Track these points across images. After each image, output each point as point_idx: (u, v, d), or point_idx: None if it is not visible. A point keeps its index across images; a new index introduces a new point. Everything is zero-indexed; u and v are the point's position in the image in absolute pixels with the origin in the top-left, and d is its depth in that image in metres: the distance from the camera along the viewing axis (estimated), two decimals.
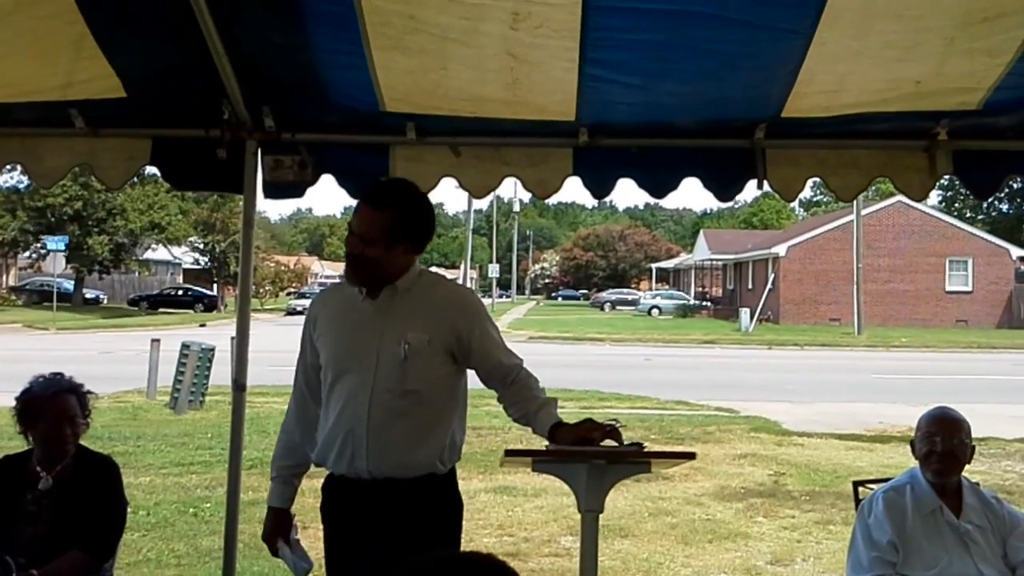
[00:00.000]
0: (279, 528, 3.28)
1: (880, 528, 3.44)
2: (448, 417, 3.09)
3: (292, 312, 53.43)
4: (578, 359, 26.33)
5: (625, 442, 3.04)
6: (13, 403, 3.63)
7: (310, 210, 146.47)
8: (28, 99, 3.68)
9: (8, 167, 4.17)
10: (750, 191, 4.11)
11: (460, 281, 57.19)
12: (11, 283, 55.41)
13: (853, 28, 3.11)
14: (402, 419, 2.98)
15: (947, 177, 4.07)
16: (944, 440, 3.44)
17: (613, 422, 3.13)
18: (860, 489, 4.10)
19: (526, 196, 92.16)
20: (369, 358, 2.99)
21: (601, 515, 3.11)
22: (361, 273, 3.00)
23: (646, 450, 3.08)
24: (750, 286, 51.08)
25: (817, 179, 4.12)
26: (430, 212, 3.10)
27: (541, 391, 3.22)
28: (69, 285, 49.79)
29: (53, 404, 3.54)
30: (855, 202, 34.59)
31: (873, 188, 4.72)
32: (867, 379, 20.94)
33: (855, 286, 39.29)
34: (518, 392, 3.19)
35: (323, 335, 3.12)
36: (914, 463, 3.58)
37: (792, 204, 65.76)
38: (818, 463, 10.67)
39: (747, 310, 41.64)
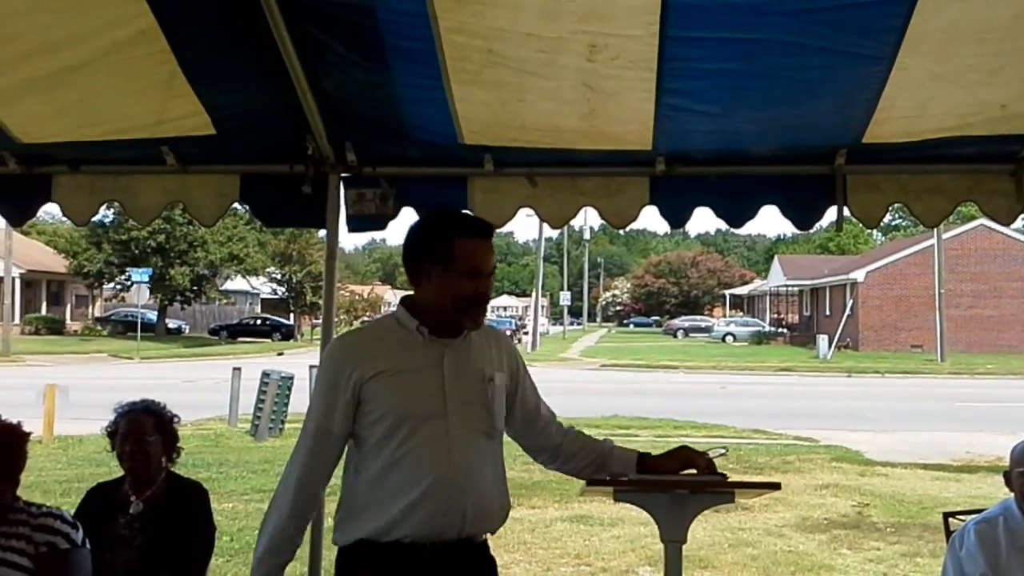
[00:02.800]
0: None
1: (972, 561, 3.35)
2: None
3: None
4: (651, 387, 26.11)
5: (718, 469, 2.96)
6: (105, 429, 3.78)
7: (384, 240, 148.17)
8: (122, 137, 3.82)
9: (105, 205, 4.33)
10: (828, 218, 4.05)
11: (531, 308, 57.20)
12: (97, 314, 57.16)
13: (935, 53, 3.07)
14: (489, 465, 2.78)
15: None
16: None
17: (722, 450, 3.06)
18: (951, 521, 3.99)
19: (597, 223, 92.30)
20: (455, 399, 2.72)
21: None
22: (484, 312, 2.85)
23: (729, 480, 3.04)
24: (827, 312, 50.13)
25: (899, 205, 4.06)
26: None
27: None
28: (152, 315, 51.18)
29: (126, 423, 3.68)
30: (936, 227, 33.91)
31: (955, 212, 4.63)
32: (951, 407, 20.36)
33: (937, 312, 38.32)
34: (577, 440, 3.04)
35: (383, 386, 2.71)
36: (1004, 494, 3.48)
37: (870, 230, 64.47)
38: (903, 494, 10.40)
39: (825, 337, 40.85)
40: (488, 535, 2.84)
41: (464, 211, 3.74)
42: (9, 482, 3.03)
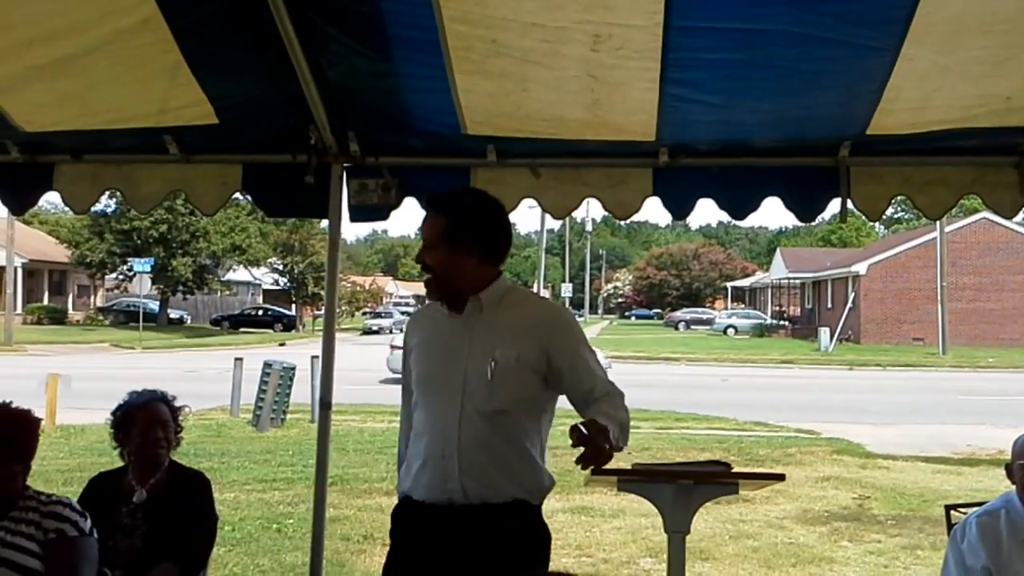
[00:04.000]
0: None
1: (974, 554, 3.35)
2: (538, 442, 2.99)
3: (368, 331, 54.12)
4: (653, 379, 26.10)
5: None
6: (108, 418, 3.78)
7: (385, 231, 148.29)
8: (125, 125, 3.82)
9: (107, 193, 4.33)
10: (831, 210, 4.05)
11: None
12: (99, 304, 57.20)
13: (941, 44, 3.06)
14: (490, 440, 2.89)
15: None
16: None
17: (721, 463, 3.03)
18: (952, 513, 3.99)
19: (599, 215, 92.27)
20: (457, 376, 2.92)
21: None
22: (432, 282, 2.98)
23: (734, 471, 3.04)
24: (829, 305, 50.11)
25: (902, 197, 4.05)
26: (497, 219, 3.04)
27: (616, 412, 2.92)
28: (154, 305, 51.23)
29: (146, 411, 3.70)
30: (939, 219, 33.88)
31: (958, 205, 4.62)
32: (953, 400, 20.36)
33: (939, 305, 38.30)
34: (595, 409, 2.93)
35: (414, 354, 3.09)
36: (1006, 487, 3.48)
37: (873, 222, 64.49)
38: (904, 486, 10.40)
39: (826, 329, 40.86)
40: (524, 499, 2.92)
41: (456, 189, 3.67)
42: (22, 464, 3.05)
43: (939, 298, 38.52)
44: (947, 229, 40.25)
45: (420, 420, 3.02)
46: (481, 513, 2.88)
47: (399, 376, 3.39)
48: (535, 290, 54.89)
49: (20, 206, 4.42)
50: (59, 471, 10.17)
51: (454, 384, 2.92)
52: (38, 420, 3.18)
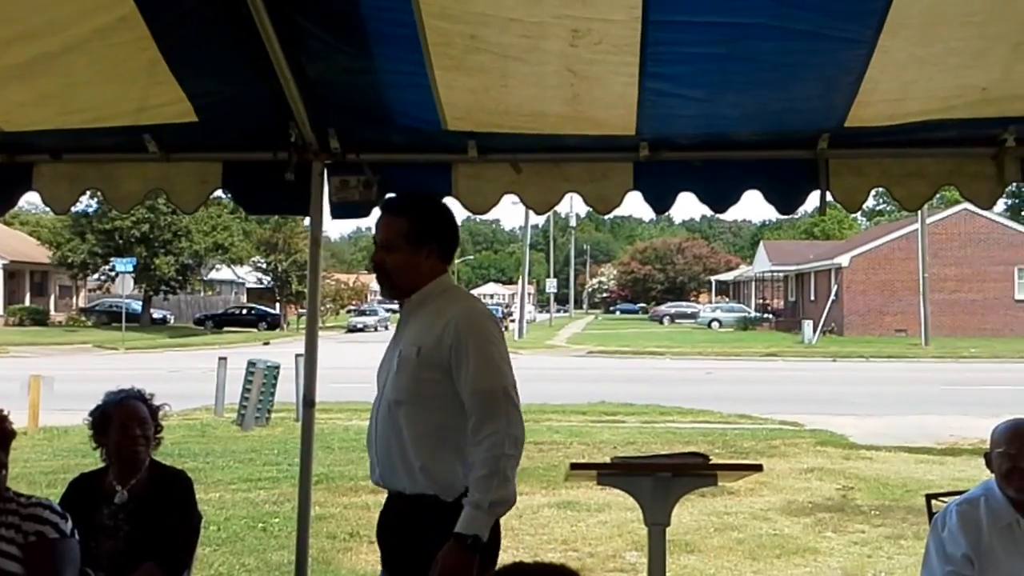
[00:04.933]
0: None
1: (954, 542, 3.38)
2: (453, 440, 2.95)
3: (353, 329, 54.04)
4: (638, 373, 26.19)
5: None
6: (86, 419, 3.76)
7: (369, 229, 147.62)
8: (104, 124, 3.78)
9: (88, 193, 4.30)
10: (811, 203, 4.07)
11: (518, 296, 57.20)
12: (81, 304, 56.84)
13: (917, 36, 3.08)
14: (391, 430, 3.02)
15: (1015, 184, 3.99)
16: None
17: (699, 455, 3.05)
18: (933, 502, 4.03)
19: (583, 210, 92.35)
20: (384, 369, 3.12)
21: (667, 529, 3.10)
22: (389, 282, 3.13)
23: (712, 462, 3.06)
24: (812, 297, 50.34)
25: (881, 189, 4.07)
26: (452, 220, 3.23)
27: (477, 480, 2.83)
28: (137, 306, 50.94)
29: (123, 409, 3.68)
30: (920, 211, 34.20)
31: (938, 196, 4.65)
32: (935, 391, 20.50)
33: (921, 296, 38.53)
34: (472, 461, 2.88)
35: None
36: (987, 475, 3.51)
37: (854, 214, 64.74)
38: (887, 477, 10.48)
39: (810, 322, 41.04)
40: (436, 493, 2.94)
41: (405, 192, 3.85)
42: None
43: (921, 289, 38.75)
44: (928, 220, 40.51)
45: None
46: (398, 501, 3.03)
47: None
48: (520, 286, 54.96)
49: (0, 207, 4.38)
50: (43, 473, 10.13)
51: (382, 377, 3.12)
52: (4, 424, 3.11)
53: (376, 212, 4.13)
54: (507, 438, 2.84)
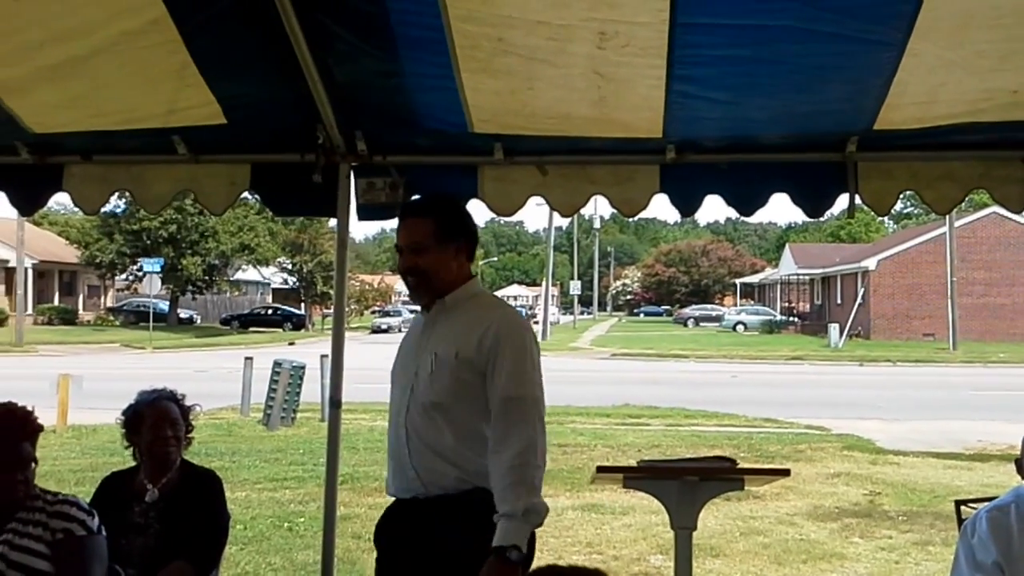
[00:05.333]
0: None
1: (984, 549, 3.34)
2: (484, 439, 2.96)
3: (377, 330, 54.23)
4: (662, 376, 26.10)
5: None
6: (119, 418, 3.80)
7: (394, 230, 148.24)
8: (133, 126, 3.83)
9: (116, 193, 4.35)
10: (839, 206, 4.04)
11: (541, 298, 57.17)
12: (109, 304, 57.39)
13: (947, 39, 3.05)
14: (430, 432, 2.98)
15: None
16: None
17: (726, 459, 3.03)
18: (962, 509, 3.98)
19: (607, 212, 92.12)
20: (410, 371, 3.08)
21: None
22: (425, 284, 3.10)
23: (739, 467, 3.04)
24: (839, 301, 49.98)
25: (910, 192, 4.04)
26: (470, 216, 3.27)
27: (512, 484, 2.83)
28: (164, 306, 51.37)
29: (155, 409, 3.71)
30: (948, 214, 33.86)
31: (967, 200, 4.60)
32: (964, 396, 20.30)
33: (949, 300, 38.15)
34: (492, 475, 2.89)
35: (397, 352, 3.26)
36: (1017, 482, 3.47)
37: (883, 217, 64.22)
38: (915, 482, 10.39)
39: (836, 325, 40.74)
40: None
41: (425, 194, 3.89)
42: (24, 466, 3.02)
43: (949, 293, 38.39)
44: (957, 224, 40.12)
45: (389, 411, 3.17)
46: (437, 504, 2.96)
47: None
48: (544, 288, 54.95)
49: (30, 207, 4.43)
50: (71, 471, 10.23)
51: (408, 378, 3.08)
52: (30, 418, 3.12)
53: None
54: (536, 449, 2.85)
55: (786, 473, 3.15)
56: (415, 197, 3.92)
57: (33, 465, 3.02)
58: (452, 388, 2.97)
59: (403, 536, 3.06)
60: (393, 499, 3.13)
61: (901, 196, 4.06)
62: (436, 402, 2.98)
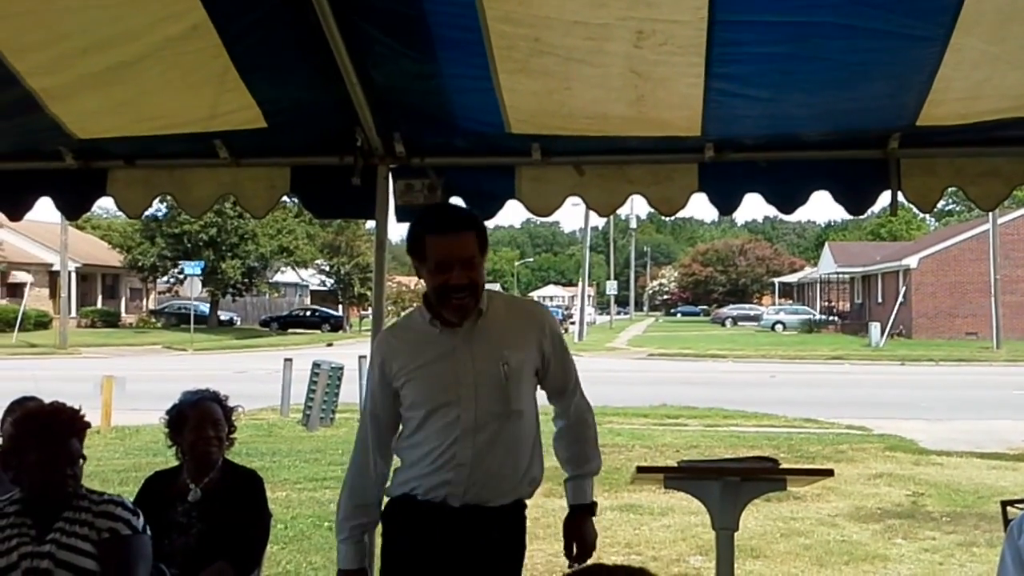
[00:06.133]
0: None
1: None
2: (538, 439, 3.12)
3: None
4: (700, 376, 25.94)
5: None
6: (162, 418, 3.85)
7: None
8: (176, 131, 3.88)
9: (158, 198, 4.41)
10: (881, 202, 3.99)
11: (578, 298, 57.07)
12: (151, 306, 58.12)
13: (990, 33, 3.01)
14: (506, 442, 3.00)
15: None
16: None
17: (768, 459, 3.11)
18: (1008, 509, 3.93)
19: (643, 212, 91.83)
20: (467, 386, 2.97)
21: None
22: (474, 299, 2.98)
23: (781, 467, 3.02)
24: (880, 300, 49.37)
25: (954, 188, 3.99)
26: None
27: (592, 443, 3.25)
28: (205, 308, 51.93)
29: (198, 410, 3.76)
30: (992, 211, 33.35)
31: (1011, 196, 4.54)
32: (1008, 395, 19.97)
33: (992, 298, 37.55)
34: (575, 439, 3.24)
35: (408, 376, 3.05)
36: None
37: (926, 214, 63.39)
38: (959, 483, 10.23)
39: (877, 324, 40.25)
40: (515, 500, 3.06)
41: (447, 206, 3.90)
42: (73, 463, 3.08)
43: (992, 291, 37.79)
44: (1000, 221, 39.47)
45: (425, 433, 3.02)
46: (473, 515, 2.97)
47: None
48: (580, 288, 54.90)
49: (75, 212, 4.50)
50: (115, 471, 10.38)
51: (466, 394, 2.96)
52: (78, 416, 3.17)
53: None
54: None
55: (830, 473, 3.12)
56: (455, 209, 3.75)
57: (81, 461, 3.08)
58: (527, 395, 3.05)
59: (434, 541, 3.02)
60: (429, 505, 3.03)
61: (945, 193, 4.01)
62: (517, 410, 3.00)
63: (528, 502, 3.15)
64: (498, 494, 3.01)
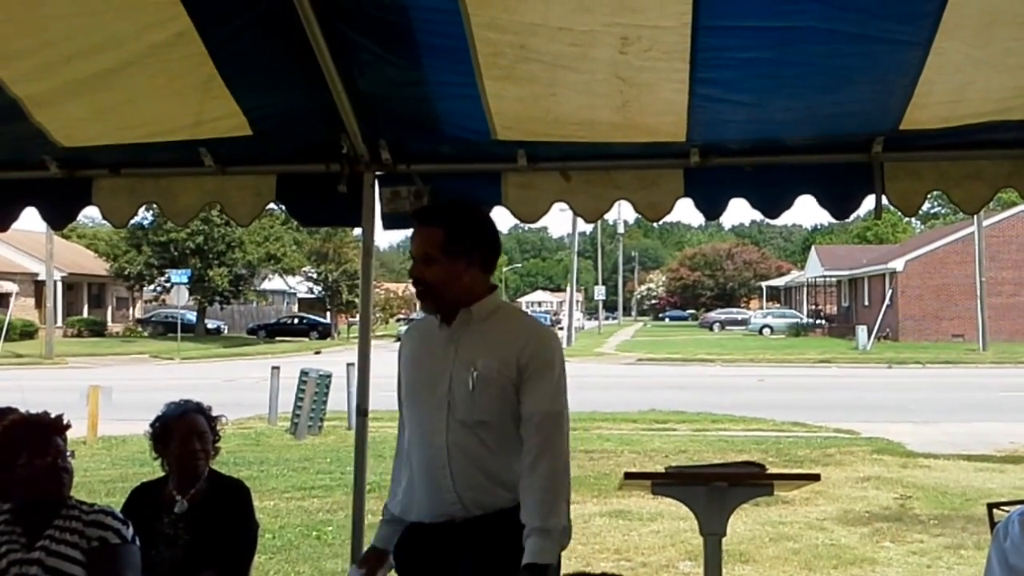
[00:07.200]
0: (372, 563, 3.16)
1: (1017, 552, 3.29)
2: (519, 453, 2.92)
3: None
4: (688, 380, 25.98)
5: None
6: (147, 430, 3.83)
7: None
8: (161, 139, 3.86)
9: (143, 207, 4.39)
10: (865, 206, 4.01)
11: (566, 303, 57.09)
12: (137, 315, 57.89)
13: (973, 37, 3.03)
14: (476, 450, 2.91)
15: None
16: None
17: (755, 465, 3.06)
18: (995, 512, 3.94)
19: (631, 217, 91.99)
20: (440, 389, 2.94)
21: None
22: (429, 296, 2.98)
23: (768, 472, 3.02)
24: (866, 303, 49.58)
25: (938, 192, 4.01)
26: (485, 225, 3.08)
27: (539, 496, 2.82)
28: (192, 316, 51.75)
29: (183, 422, 3.74)
30: (976, 214, 33.53)
31: (995, 199, 4.57)
32: (995, 397, 20.07)
33: (978, 300, 37.76)
34: (526, 490, 2.85)
35: (404, 363, 3.14)
36: None
37: (910, 218, 63.73)
38: (946, 486, 10.28)
39: (864, 327, 40.43)
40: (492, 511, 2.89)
41: (447, 201, 3.82)
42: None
43: (978, 293, 38.00)
44: (985, 223, 39.71)
45: (410, 432, 3.05)
46: (480, 524, 2.89)
47: None
48: (568, 293, 54.95)
49: (60, 221, 4.48)
50: (102, 482, 10.32)
51: (439, 395, 2.94)
52: (58, 419, 3.17)
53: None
54: (566, 465, 2.85)
55: (816, 478, 3.13)
56: (451, 201, 3.77)
57: (70, 456, 3.09)
58: (497, 405, 2.90)
59: (432, 560, 2.96)
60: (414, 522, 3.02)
61: (928, 196, 4.03)
62: (481, 420, 2.89)
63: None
64: (487, 500, 2.91)
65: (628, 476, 3.19)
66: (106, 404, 14.58)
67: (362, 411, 4.21)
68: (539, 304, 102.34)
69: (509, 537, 2.84)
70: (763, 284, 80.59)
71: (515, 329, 2.98)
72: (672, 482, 3.07)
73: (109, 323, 53.72)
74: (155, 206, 4.36)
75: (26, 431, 3.07)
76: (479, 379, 2.88)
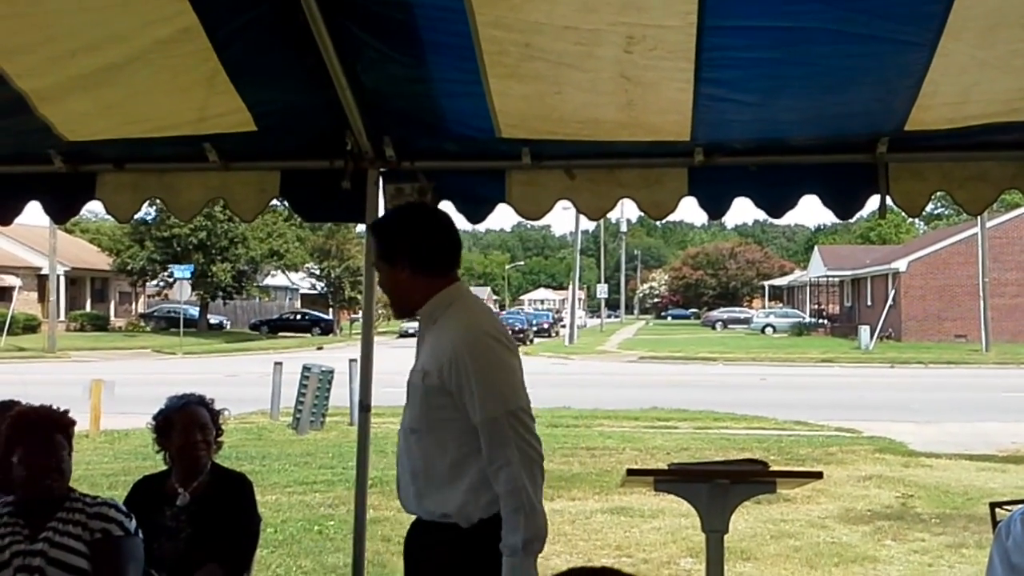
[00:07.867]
0: None
1: (1019, 551, 3.30)
2: (471, 470, 2.82)
3: (404, 335, 54.38)
4: (691, 379, 25.99)
5: None
6: (149, 423, 3.85)
7: None
8: (165, 134, 3.87)
9: (147, 202, 4.40)
10: (869, 206, 4.02)
11: (568, 301, 57.03)
12: (140, 310, 57.94)
13: (978, 38, 3.02)
14: (411, 456, 2.95)
15: None
16: None
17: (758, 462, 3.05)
18: (997, 511, 3.94)
19: (634, 215, 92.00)
20: (410, 386, 2.99)
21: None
22: (390, 302, 3.08)
23: (771, 469, 3.03)
24: (869, 303, 49.54)
25: (942, 193, 4.01)
26: (422, 227, 2.99)
27: (506, 522, 2.73)
28: (194, 311, 51.79)
29: (185, 415, 3.75)
30: (980, 215, 33.47)
31: (999, 200, 4.58)
32: (997, 397, 20.06)
33: (981, 301, 37.72)
34: (500, 497, 2.77)
35: None
36: None
37: (914, 218, 63.64)
38: (948, 485, 10.28)
39: (867, 327, 40.40)
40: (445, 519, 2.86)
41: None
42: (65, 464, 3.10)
43: (981, 294, 37.97)
44: (988, 224, 39.67)
45: None
46: (417, 527, 2.98)
47: None
48: (571, 292, 54.90)
49: (63, 215, 4.49)
50: (104, 475, 10.34)
51: (410, 392, 2.99)
52: (64, 414, 3.22)
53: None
54: (522, 466, 2.71)
55: (819, 476, 3.14)
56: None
57: (65, 455, 3.10)
58: (424, 414, 2.88)
59: (409, 551, 3.06)
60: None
61: (932, 197, 4.03)
62: (413, 428, 2.94)
63: None
64: (415, 506, 2.94)
65: (631, 472, 3.20)
66: (108, 398, 14.60)
67: (364, 406, 4.23)
68: (541, 302, 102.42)
69: (429, 550, 2.91)
70: (766, 283, 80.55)
71: (446, 335, 2.88)
72: (674, 479, 3.08)
73: (112, 318, 53.77)
74: (159, 201, 4.37)
75: (25, 428, 3.08)
76: (411, 386, 2.93)
